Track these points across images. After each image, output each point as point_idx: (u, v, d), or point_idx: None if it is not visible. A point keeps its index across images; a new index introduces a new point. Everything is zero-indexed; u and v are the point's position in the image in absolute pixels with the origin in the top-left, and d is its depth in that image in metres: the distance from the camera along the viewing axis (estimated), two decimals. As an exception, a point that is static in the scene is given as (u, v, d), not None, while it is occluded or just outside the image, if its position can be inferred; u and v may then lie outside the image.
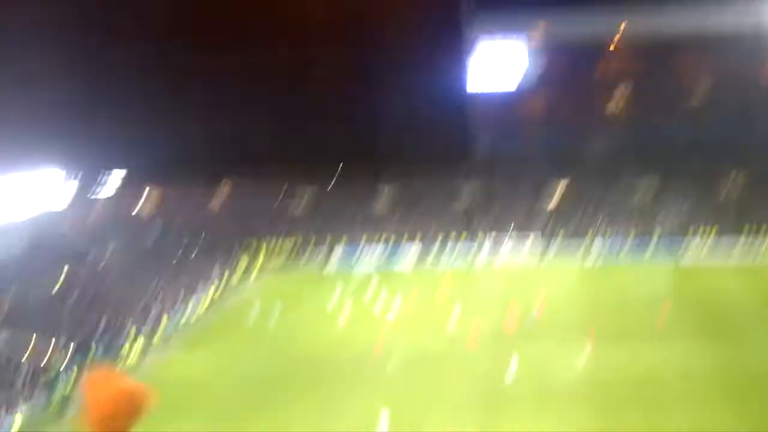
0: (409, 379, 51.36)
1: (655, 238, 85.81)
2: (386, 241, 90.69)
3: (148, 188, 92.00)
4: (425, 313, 65.28)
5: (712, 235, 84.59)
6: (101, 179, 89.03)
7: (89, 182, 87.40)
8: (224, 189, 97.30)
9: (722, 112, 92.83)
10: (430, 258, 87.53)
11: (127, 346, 59.26)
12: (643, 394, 47.00)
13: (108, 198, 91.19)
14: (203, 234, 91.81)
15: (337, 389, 50.09)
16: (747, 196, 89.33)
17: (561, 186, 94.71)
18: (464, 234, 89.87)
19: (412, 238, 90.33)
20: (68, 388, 52.55)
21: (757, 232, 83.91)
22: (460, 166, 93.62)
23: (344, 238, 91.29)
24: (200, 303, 72.22)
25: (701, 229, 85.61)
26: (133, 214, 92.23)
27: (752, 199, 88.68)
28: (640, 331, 58.38)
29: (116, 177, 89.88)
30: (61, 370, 54.41)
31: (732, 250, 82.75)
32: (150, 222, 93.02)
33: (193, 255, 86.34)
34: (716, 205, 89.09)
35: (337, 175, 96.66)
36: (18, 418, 48.21)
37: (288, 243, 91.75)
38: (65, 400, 50.11)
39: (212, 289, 76.40)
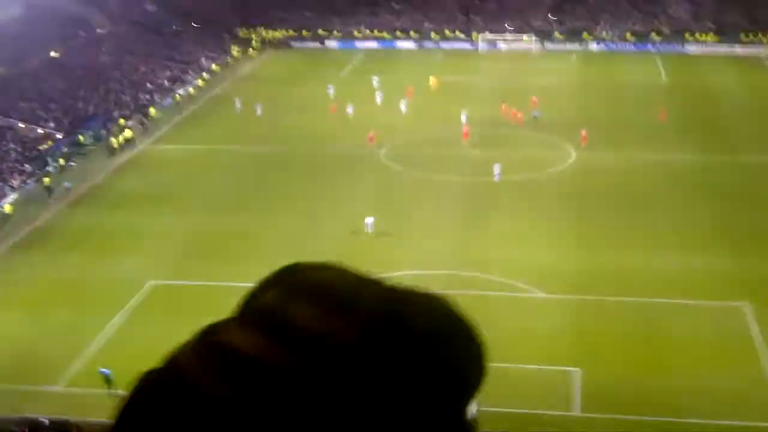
0: (401, 170, 51.47)
1: (655, 38, 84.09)
2: (381, 35, 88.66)
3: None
4: (420, 104, 64.08)
5: (713, 36, 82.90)
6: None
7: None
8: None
9: None
10: (427, 49, 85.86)
11: (116, 129, 58.92)
12: (626, 190, 47.27)
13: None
14: (196, 18, 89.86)
15: (329, 180, 49.78)
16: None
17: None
18: (461, 30, 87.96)
19: (407, 33, 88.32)
20: (58, 170, 52.78)
21: (757, 33, 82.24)
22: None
23: (338, 31, 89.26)
24: (192, 87, 71.35)
25: (702, 30, 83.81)
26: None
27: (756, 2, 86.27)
28: (633, 128, 57.97)
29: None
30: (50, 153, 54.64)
31: (733, 48, 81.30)
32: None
33: (185, 39, 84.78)
34: (719, 7, 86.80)
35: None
36: (9, 195, 48.69)
37: (281, 33, 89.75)
38: (54, 182, 50.12)
39: (204, 74, 75.34)
